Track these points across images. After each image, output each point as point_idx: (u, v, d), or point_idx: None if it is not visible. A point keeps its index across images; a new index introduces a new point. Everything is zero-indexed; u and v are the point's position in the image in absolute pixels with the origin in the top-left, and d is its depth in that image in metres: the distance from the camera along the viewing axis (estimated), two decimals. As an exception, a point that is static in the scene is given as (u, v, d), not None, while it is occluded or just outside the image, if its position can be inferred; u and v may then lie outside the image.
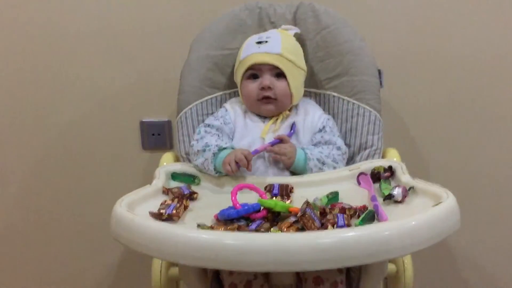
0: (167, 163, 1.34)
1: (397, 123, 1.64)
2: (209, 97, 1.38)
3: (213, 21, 1.40)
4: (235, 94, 1.39)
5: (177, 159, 1.38)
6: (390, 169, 1.18)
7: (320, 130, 1.29)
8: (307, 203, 0.95)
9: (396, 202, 1.02)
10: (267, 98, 1.27)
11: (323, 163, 1.22)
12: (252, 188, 1.03)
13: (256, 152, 1.21)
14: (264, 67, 1.26)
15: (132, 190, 1.66)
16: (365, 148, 1.32)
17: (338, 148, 1.26)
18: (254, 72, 1.28)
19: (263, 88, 1.26)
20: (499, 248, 1.75)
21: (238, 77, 1.32)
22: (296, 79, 1.29)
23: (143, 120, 1.68)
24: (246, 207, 0.95)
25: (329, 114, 1.36)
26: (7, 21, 1.61)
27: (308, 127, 1.30)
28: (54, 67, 1.64)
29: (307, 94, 1.39)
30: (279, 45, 1.26)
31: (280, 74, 1.27)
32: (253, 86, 1.28)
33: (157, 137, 1.70)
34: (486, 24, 1.58)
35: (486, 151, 1.68)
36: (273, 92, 1.26)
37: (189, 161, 1.29)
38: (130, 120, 1.68)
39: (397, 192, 1.02)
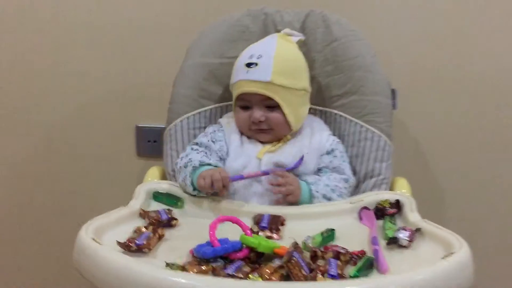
0: (152, 178, 1.24)
1: (408, 148, 1.54)
2: (203, 109, 1.27)
3: (212, 26, 1.29)
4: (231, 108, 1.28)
5: (163, 174, 1.28)
6: (397, 204, 1.06)
7: (328, 153, 1.18)
8: (295, 245, 0.83)
9: (401, 246, 0.91)
10: (261, 130, 1.16)
11: (329, 199, 1.12)
12: (234, 221, 0.91)
13: (240, 178, 1.09)
14: (254, 98, 1.14)
15: (124, 199, 1.64)
16: (371, 177, 1.20)
17: (346, 181, 1.16)
18: (244, 104, 1.17)
19: (254, 122, 1.15)
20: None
21: (233, 99, 1.21)
22: (294, 104, 1.16)
23: (139, 125, 1.62)
24: (225, 245, 0.84)
25: (334, 135, 1.24)
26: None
27: (314, 148, 1.18)
28: (47, 66, 1.58)
29: (312, 112, 1.27)
30: (269, 69, 1.12)
31: (273, 103, 1.15)
32: (244, 117, 1.17)
33: (153, 144, 1.62)
34: (508, 42, 1.48)
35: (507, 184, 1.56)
36: (267, 123, 1.15)
37: (176, 179, 1.18)
38: (124, 124, 1.62)
39: (402, 235, 0.91)
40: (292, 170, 1.14)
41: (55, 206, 1.68)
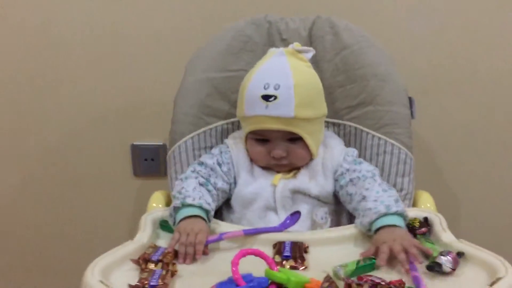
0: (157, 204, 1.16)
1: (427, 161, 1.49)
2: (208, 127, 1.19)
3: (213, 38, 1.22)
4: (239, 125, 1.20)
5: (169, 198, 1.19)
6: (426, 222, 1.00)
7: (342, 167, 1.10)
8: (329, 280, 0.75)
9: (443, 273, 0.84)
10: (280, 165, 1.08)
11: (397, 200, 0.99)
12: (257, 254, 0.82)
13: (219, 239, 0.96)
14: (275, 134, 1.06)
15: (120, 222, 1.59)
16: (394, 193, 1.12)
17: (374, 175, 1.06)
18: (261, 138, 1.08)
19: (274, 157, 1.07)
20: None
21: (242, 127, 1.12)
22: (315, 133, 1.09)
23: (135, 143, 1.57)
24: (250, 284, 0.76)
25: None
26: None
27: (329, 169, 1.10)
28: (40, 87, 1.53)
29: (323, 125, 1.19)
30: (291, 102, 1.02)
31: (295, 137, 1.06)
32: (262, 151, 1.08)
33: (150, 162, 1.59)
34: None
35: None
36: (288, 159, 1.07)
37: None
38: (119, 142, 1.57)
39: (446, 260, 0.83)
40: (284, 229, 1.00)
41: (52, 228, 1.64)
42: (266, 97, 1.02)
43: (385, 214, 0.94)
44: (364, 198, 1.00)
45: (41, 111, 1.54)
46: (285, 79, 1.03)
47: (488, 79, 1.46)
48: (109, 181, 1.59)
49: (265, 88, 1.03)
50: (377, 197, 0.99)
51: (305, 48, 1.10)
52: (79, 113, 1.54)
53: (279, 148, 1.05)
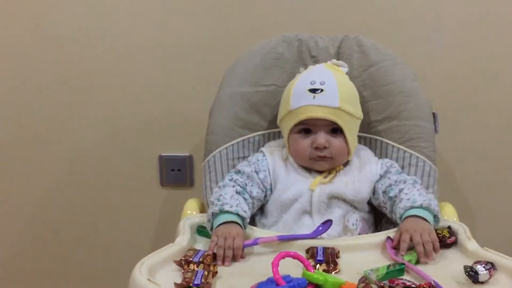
0: (191, 211, 1.20)
1: (446, 172, 1.50)
2: (241, 138, 1.24)
3: (247, 54, 1.27)
4: (273, 136, 1.26)
5: (202, 206, 1.23)
6: (450, 231, 1.03)
7: (383, 176, 1.15)
8: (364, 281, 0.80)
9: (476, 281, 0.86)
10: (322, 157, 1.12)
11: (431, 199, 1.06)
12: (295, 257, 0.87)
13: (254, 243, 1.00)
14: (320, 123, 1.12)
15: (147, 231, 1.61)
16: (420, 205, 1.16)
17: (416, 182, 1.12)
18: (307, 128, 1.13)
19: (317, 147, 1.11)
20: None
21: (285, 126, 1.17)
22: (353, 132, 1.15)
23: (162, 155, 1.59)
24: (291, 284, 0.80)
25: None
26: (16, 46, 1.54)
27: (365, 176, 1.15)
28: (69, 95, 1.56)
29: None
30: (336, 95, 1.11)
31: (336, 129, 1.12)
32: (305, 144, 1.13)
33: (177, 173, 1.62)
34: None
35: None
36: (329, 151, 1.12)
37: None
38: (148, 154, 1.60)
39: (482, 270, 0.85)
40: (315, 237, 1.04)
41: (79, 237, 1.65)
42: (313, 90, 1.11)
43: (411, 207, 1.02)
44: (400, 196, 1.08)
45: (71, 120, 1.57)
46: (329, 78, 1.13)
47: (506, 93, 1.49)
48: (136, 191, 1.61)
49: (311, 84, 1.11)
50: (411, 195, 1.06)
51: (341, 62, 1.19)
52: (108, 124, 1.57)
53: (321, 138, 1.11)
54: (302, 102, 1.12)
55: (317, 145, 1.11)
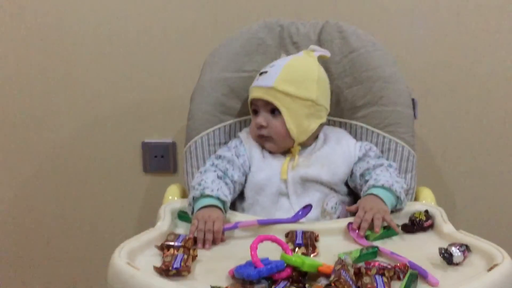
0: (172, 197, 1.21)
1: (426, 157, 1.53)
2: (222, 124, 1.25)
3: (229, 39, 1.27)
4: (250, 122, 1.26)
5: (183, 191, 1.24)
6: (428, 215, 1.05)
7: (361, 158, 1.17)
8: (341, 263, 0.81)
9: (451, 263, 0.88)
10: (262, 136, 1.16)
11: (397, 182, 1.10)
12: (274, 240, 0.88)
13: (234, 227, 1.02)
14: (260, 103, 1.15)
15: (130, 217, 1.61)
16: (397, 188, 1.18)
17: (390, 166, 1.15)
18: (254, 108, 1.18)
19: (259, 127, 1.16)
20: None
21: None
22: (297, 113, 1.14)
23: (145, 141, 1.59)
24: (268, 266, 0.81)
25: None
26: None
27: (341, 156, 1.17)
28: (52, 83, 1.56)
29: (332, 124, 1.26)
30: (275, 76, 1.13)
31: (275, 110, 1.14)
32: (253, 123, 1.18)
33: (160, 159, 1.61)
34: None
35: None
36: (267, 130, 1.15)
37: None
38: (131, 140, 1.60)
39: (456, 252, 0.87)
40: (296, 220, 1.05)
41: (62, 223, 1.65)
42: (262, 73, 1.15)
43: (373, 186, 1.07)
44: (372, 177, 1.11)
45: (52, 107, 1.56)
46: (282, 61, 1.16)
47: (486, 80, 1.50)
48: (119, 177, 1.61)
49: (264, 67, 1.18)
50: (380, 176, 1.10)
51: (318, 47, 1.19)
52: (90, 111, 1.56)
53: (260, 117, 1.14)
54: (253, 83, 1.17)
55: (255, 124, 1.15)
